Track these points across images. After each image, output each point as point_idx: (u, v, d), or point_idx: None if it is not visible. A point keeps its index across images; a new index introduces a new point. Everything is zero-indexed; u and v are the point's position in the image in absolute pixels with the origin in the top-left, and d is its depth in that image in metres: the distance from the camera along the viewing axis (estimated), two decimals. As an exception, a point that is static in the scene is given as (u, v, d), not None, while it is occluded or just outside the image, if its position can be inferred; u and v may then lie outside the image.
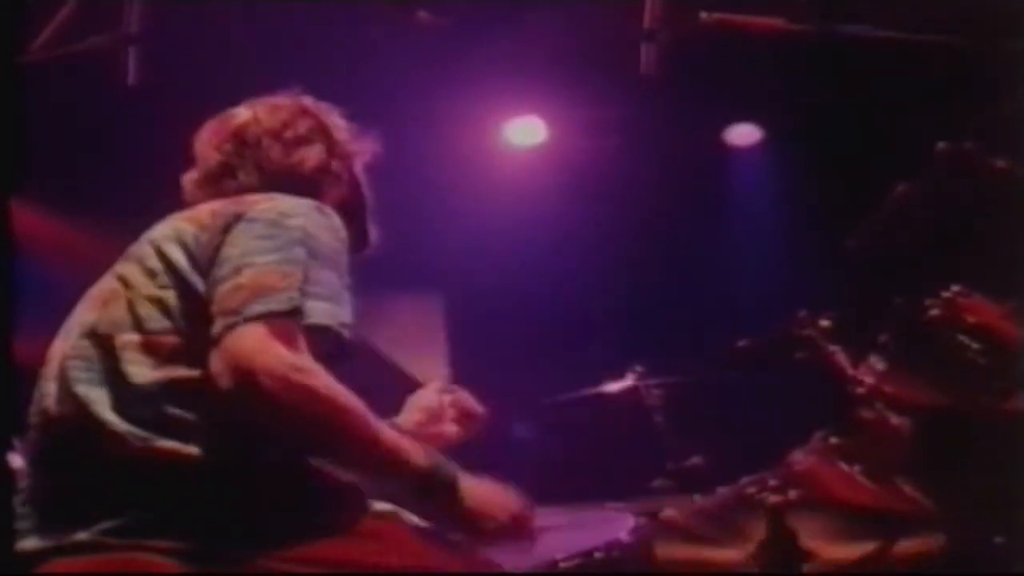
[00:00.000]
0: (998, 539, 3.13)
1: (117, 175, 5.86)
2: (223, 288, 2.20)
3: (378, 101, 2.85)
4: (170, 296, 2.27)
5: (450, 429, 2.96)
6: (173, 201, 2.54)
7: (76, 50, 3.72)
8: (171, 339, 2.24)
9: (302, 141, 2.65)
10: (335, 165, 2.68)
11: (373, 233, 2.77)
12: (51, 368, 2.35)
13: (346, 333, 2.26)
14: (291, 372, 2.11)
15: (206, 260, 2.28)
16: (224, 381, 2.12)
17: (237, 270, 2.22)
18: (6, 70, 2.30)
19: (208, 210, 2.39)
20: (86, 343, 2.30)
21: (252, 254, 2.24)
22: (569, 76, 6.26)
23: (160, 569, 2.12)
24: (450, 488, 2.30)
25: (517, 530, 2.43)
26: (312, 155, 2.65)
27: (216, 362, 2.13)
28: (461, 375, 3.03)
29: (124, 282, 2.34)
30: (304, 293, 2.20)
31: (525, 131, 6.89)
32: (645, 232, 6.90)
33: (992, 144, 3.24)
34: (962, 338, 3.18)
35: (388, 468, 2.26)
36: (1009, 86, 3.06)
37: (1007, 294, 3.26)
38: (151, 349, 2.23)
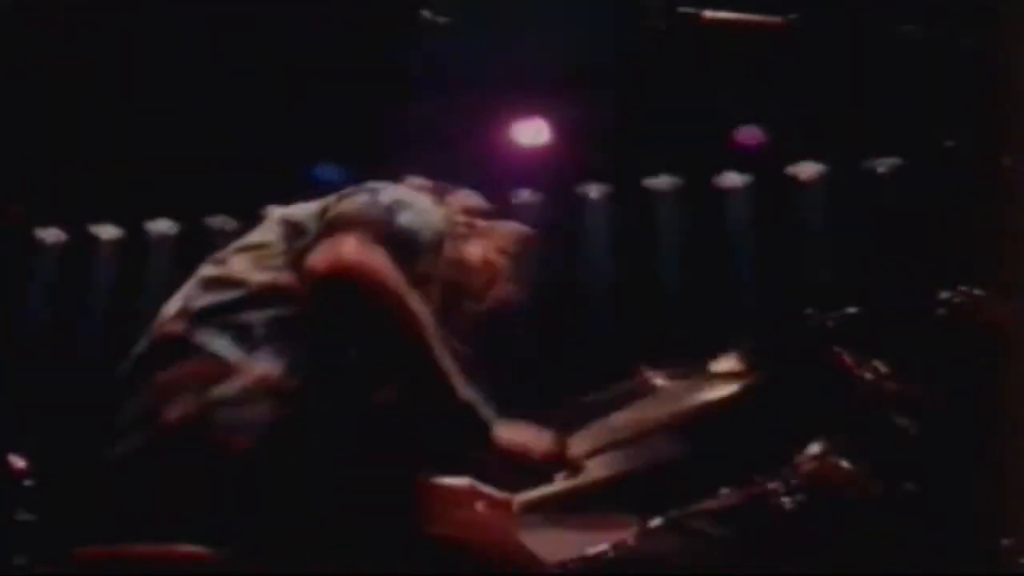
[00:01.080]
0: (1005, 541, 3.12)
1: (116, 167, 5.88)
2: (323, 220, 2.42)
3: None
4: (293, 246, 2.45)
5: None
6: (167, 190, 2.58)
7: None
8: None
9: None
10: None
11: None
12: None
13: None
14: (386, 272, 2.26)
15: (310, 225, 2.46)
16: (322, 275, 2.27)
17: (336, 207, 2.45)
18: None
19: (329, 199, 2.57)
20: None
21: (351, 199, 2.46)
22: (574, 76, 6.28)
23: None
24: (485, 422, 2.41)
25: (549, 463, 2.62)
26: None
27: (315, 261, 2.30)
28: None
29: (256, 246, 2.51)
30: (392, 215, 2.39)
31: (531, 132, 6.93)
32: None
33: (995, 140, 3.23)
34: (967, 336, 3.17)
35: (441, 388, 2.34)
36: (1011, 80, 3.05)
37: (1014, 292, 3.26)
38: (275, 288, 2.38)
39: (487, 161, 6.82)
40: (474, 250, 2.83)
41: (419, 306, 2.30)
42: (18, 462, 3.89)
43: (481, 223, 2.91)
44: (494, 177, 7.06)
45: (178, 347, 2.33)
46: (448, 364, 2.33)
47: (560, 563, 3.16)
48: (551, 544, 3.58)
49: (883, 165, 6.84)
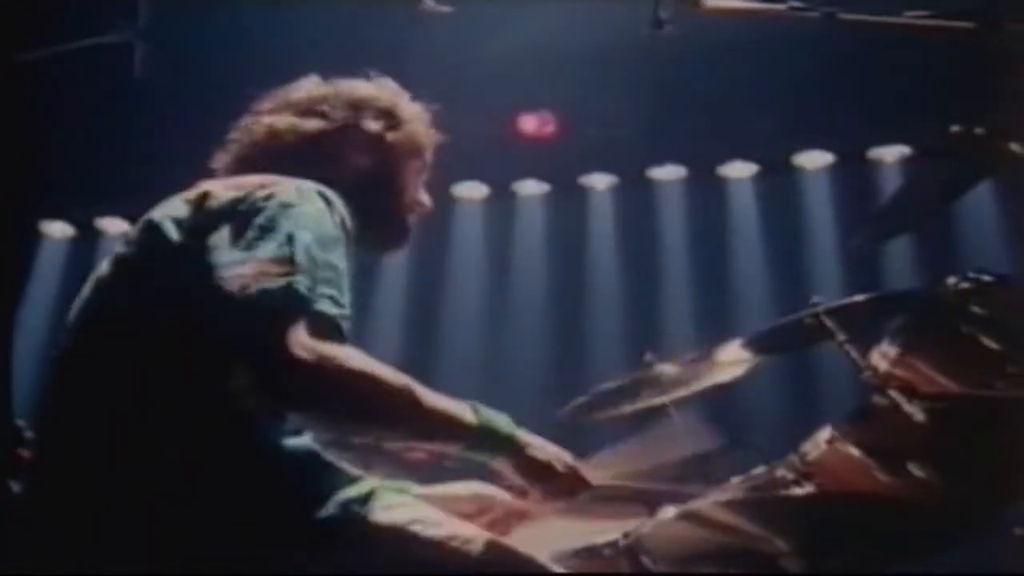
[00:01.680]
0: (1018, 530, 3.11)
1: (125, 164, 5.89)
2: (227, 274, 2.15)
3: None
4: (157, 270, 2.26)
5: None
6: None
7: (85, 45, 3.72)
8: (160, 317, 2.20)
9: (325, 114, 2.67)
10: (353, 140, 2.67)
11: (407, 237, 2.76)
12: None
13: (345, 323, 2.21)
14: (319, 358, 2.09)
15: (198, 241, 2.23)
16: (260, 378, 2.09)
17: (241, 262, 2.16)
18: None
19: (203, 191, 2.36)
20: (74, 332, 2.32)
21: (254, 241, 2.19)
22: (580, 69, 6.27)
23: None
24: (507, 440, 2.34)
25: (574, 479, 2.48)
26: (324, 125, 2.66)
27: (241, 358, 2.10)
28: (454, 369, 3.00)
29: (121, 263, 2.34)
30: (312, 280, 2.16)
31: (537, 123, 6.91)
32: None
33: (1005, 127, 3.21)
34: (975, 323, 3.16)
35: (441, 433, 2.30)
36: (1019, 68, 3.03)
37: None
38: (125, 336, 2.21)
39: (492, 152, 6.82)
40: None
41: (376, 372, 2.17)
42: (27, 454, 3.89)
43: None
44: (499, 168, 7.08)
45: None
46: (437, 405, 2.26)
47: (571, 552, 3.16)
48: (561, 533, 3.58)
49: (890, 154, 6.83)
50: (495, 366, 6.63)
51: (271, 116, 2.69)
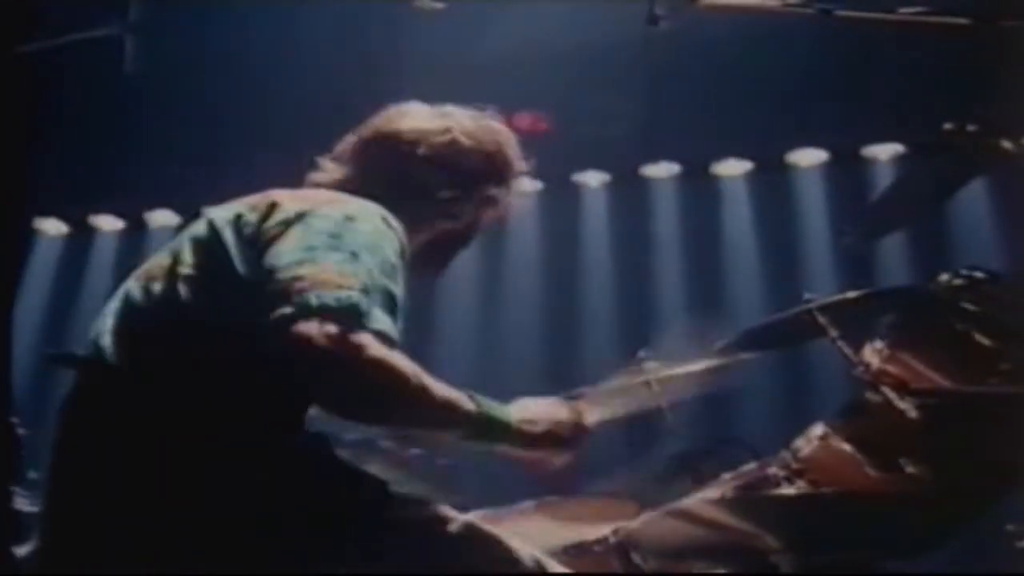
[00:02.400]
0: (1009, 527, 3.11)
1: (119, 162, 5.87)
2: (283, 276, 2.19)
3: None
4: (214, 273, 2.30)
5: None
6: (167, 181, 2.52)
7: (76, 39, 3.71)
8: (206, 316, 2.26)
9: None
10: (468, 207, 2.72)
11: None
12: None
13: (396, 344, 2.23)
14: (348, 348, 2.12)
15: (261, 247, 2.28)
16: (294, 366, 2.14)
17: (299, 263, 2.20)
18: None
19: (271, 201, 2.38)
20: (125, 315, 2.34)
21: (316, 250, 2.23)
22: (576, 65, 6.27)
23: None
24: (503, 425, 2.38)
25: (573, 437, 2.54)
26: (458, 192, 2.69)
27: (281, 348, 2.13)
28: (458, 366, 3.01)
29: (174, 258, 2.36)
30: (365, 294, 2.19)
31: (530, 122, 6.90)
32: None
33: (997, 125, 3.21)
34: (968, 320, 3.16)
35: (444, 423, 2.34)
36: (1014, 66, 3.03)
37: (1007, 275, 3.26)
38: (183, 324, 2.27)
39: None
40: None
41: (399, 366, 2.20)
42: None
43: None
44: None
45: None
46: (443, 395, 2.29)
47: (561, 549, 3.17)
48: (553, 529, 3.59)
49: (884, 152, 6.83)
50: (488, 359, 6.63)
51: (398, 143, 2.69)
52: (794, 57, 5.88)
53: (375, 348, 2.15)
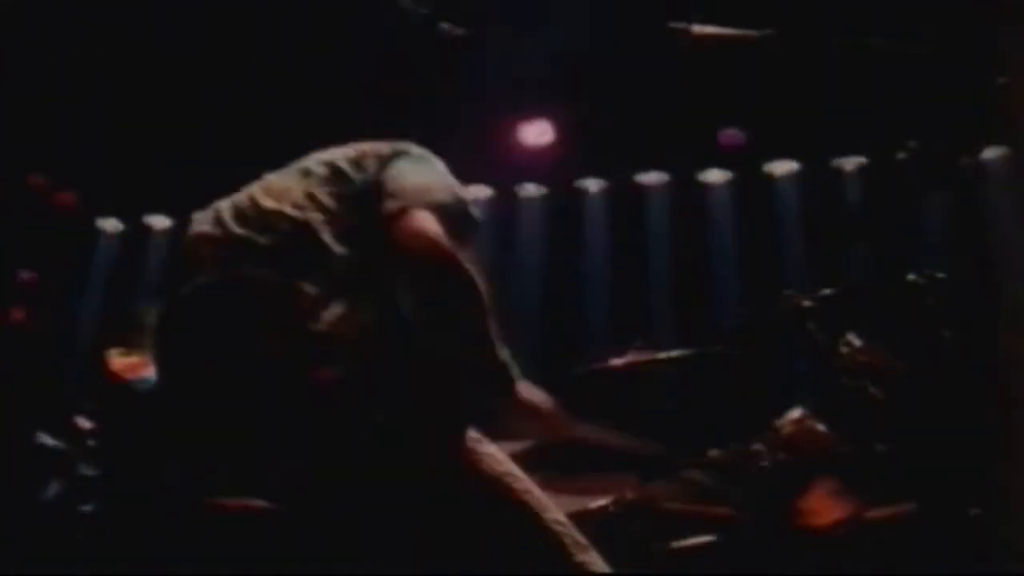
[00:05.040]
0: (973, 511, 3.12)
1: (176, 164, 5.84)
2: (394, 184, 2.45)
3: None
4: (341, 190, 2.48)
5: None
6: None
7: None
8: (349, 220, 2.43)
9: None
10: None
11: None
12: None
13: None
14: (452, 258, 2.34)
15: (371, 175, 2.49)
16: (403, 251, 2.35)
17: (403, 173, 2.47)
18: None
19: (364, 148, 2.58)
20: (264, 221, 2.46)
21: (415, 170, 2.49)
22: (575, 80, 6.28)
23: None
24: (510, 383, 2.46)
25: (560, 426, 2.70)
26: None
27: (395, 236, 2.36)
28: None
29: (302, 174, 2.53)
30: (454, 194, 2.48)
31: (536, 132, 6.93)
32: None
33: (962, 143, 3.24)
34: (926, 314, 3.19)
35: (483, 346, 2.41)
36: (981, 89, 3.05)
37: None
38: (335, 227, 2.42)
39: (496, 158, 6.85)
40: None
41: (482, 282, 2.39)
42: (84, 423, 3.95)
43: None
44: (503, 172, 7.09)
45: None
46: (495, 330, 2.40)
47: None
48: (553, 500, 3.58)
49: (850, 163, 6.86)
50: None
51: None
52: (768, 76, 5.89)
53: (471, 268, 2.36)
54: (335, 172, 2.52)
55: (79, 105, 6.08)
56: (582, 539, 2.42)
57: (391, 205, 2.41)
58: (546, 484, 3.01)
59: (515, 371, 2.47)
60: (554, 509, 2.45)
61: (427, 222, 2.38)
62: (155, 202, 7.35)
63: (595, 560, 2.40)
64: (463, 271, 2.36)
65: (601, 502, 3.50)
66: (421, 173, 2.51)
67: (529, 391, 2.57)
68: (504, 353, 2.44)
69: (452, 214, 2.45)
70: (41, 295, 6.45)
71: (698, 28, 2.99)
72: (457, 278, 2.36)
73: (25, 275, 6.38)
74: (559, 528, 2.42)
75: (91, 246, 7.36)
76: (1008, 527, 1.77)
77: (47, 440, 3.85)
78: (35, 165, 6.40)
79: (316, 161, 2.58)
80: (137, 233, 7.55)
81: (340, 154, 2.58)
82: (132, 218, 7.54)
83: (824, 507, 3.25)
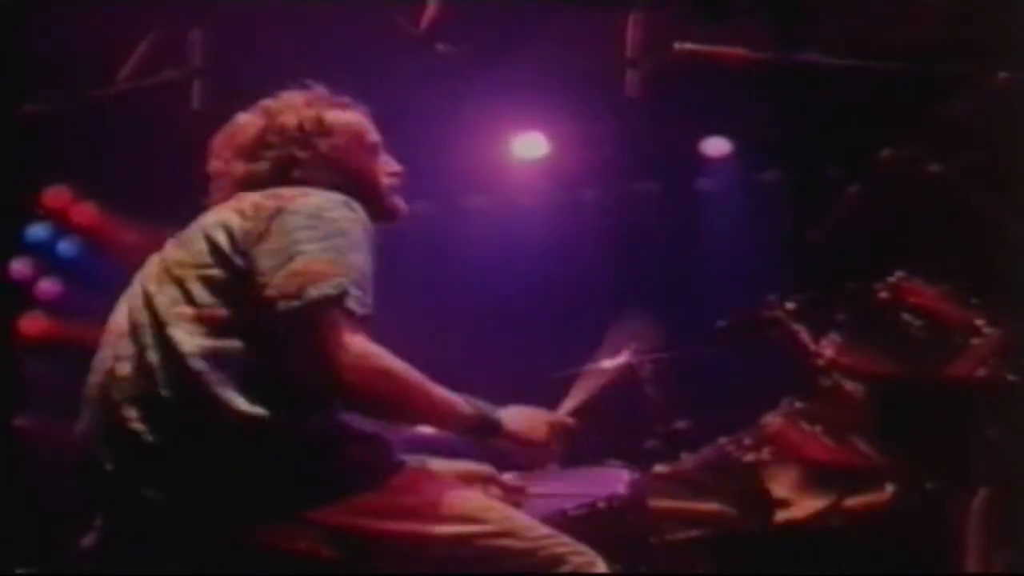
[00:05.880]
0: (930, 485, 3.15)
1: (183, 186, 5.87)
2: (280, 273, 2.19)
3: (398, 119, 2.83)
4: (217, 275, 2.26)
5: None
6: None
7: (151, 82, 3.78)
8: (220, 312, 2.24)
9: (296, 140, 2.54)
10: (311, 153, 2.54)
11: (399, 204, 2.68)
12: (111, 339, 2.35)
13: (370, 319, 2.26)
14: (361, 359, 2.18)
15: (250, 245, 2.25)
16: (305, 365, 2.18)
17: (290, 257, 2.21)
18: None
19: (250, 202, 2.36)
20: (144, 315, 2.29)
21: (300, 243, 2.22)
22: (568, 96, 6.30)
23: None
24: (494, 423, 2.41)
25: (558, 437, 2.59)
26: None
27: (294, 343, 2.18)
28: (461, 366, 2.97)
29: (177, 263, 2.32)
30: (348, 278, 2.21)
31: (529, 145, 6.94)
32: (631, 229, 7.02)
33: (931, 150, 3.29)
34: (905, 316, 3.24)
35: (445, 423, 2.40)
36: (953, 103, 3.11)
37: (941, 278, 3.32)
38: (202, 321, 2.23)
39: (491, 170, 6.87)
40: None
41: (404, 373, 2.26)
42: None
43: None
44: (498, 183, 7.11)
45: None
46: (443, 399, 2.33)
47: (564, 511, 3.19)
48: (550, 495, 3.58)
49: (832, 172, 6.89)
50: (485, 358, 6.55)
51: (224, 165, 2.59)
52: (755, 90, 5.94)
53: (386, 358, 2.22)
54: (210, 245, 2.29)
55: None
56: (571, 542, 2.36)
57: (287, 305, 2.17)
58: (544, 475, 3.02)
59: (492, 414, 2.42)
60: (536, 526, 2.38)
61: (345, 351, 2.16)
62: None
63: (592, 559, 2.35)
64: (394, 394, 2.23)
65: (593, 498, 3.52)
66: (304, 244, 2.22)
67: (520, 418, 2.51)
68: (472, 406, 2.37)
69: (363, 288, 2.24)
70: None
71: (680, 45, 3.04)
72: (390, 391, 2.23)
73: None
74: (546, 542, 2.33)
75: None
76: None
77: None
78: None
79: (195, 232, 2.37)
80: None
81: (217, 219, 2.34)
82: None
83: (803, 500, 3.30)
